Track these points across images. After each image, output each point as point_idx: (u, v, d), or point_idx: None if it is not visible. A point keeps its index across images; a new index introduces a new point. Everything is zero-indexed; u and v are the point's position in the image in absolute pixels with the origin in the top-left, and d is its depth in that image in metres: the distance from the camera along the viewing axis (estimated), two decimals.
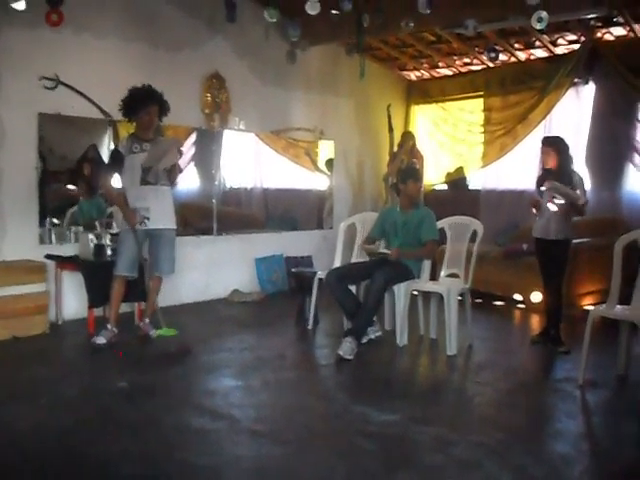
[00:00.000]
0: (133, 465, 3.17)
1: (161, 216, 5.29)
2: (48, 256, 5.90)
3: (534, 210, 5.46)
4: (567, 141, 5.41)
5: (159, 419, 3.79)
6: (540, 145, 5.51)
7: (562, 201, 5.20)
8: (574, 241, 5.46)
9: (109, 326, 5.29)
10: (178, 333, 5.40)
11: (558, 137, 5.52)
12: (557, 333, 5.42)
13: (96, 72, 6.21)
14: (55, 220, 6.18)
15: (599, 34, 7.32)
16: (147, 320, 5.51)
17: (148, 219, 5.21)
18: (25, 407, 3.93)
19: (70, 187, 6.37)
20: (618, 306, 4.41)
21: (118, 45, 6.38)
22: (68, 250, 6.04)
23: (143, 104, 5.17)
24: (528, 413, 4.10)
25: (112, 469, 3.14)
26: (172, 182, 5.38)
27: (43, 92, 5.89)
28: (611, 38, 7.36)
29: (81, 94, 6.12)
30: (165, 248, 5.38)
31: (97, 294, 5.64)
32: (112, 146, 6.27)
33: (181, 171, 5.60)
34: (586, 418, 4.14)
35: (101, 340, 5.18)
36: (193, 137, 7.21)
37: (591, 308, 4.66)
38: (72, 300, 6.07)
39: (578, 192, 5.20)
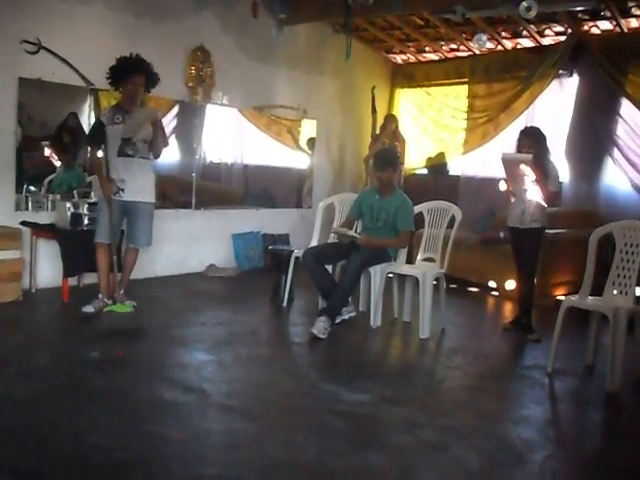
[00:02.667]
0: (102, 436, 3.16)
1: (136, 189, 5.25)
2: (24, 223, 5.84)
3: (512, 199, 5.48)
4: (545, 132, 5.43)
5: (130, 391, 3.79)
6: (518, 135, 5.52)
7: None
8: (550, 231, 5.50)
9: (100, 296, 5.28)
10: (133, 311, 5.13)
11: (536, 128, 5.54)
12: (528, 321, 5.49)
13: (79, 39, 6.12)
14: (32, 187, 6.10)
15: (586, 27, 7.35)
16: (122, 292, 5.47)
17: (122, 190, 5.18)
18: None
19: (49, 154, 6.29)
20: (590, 297, 4.47)
21: (103, 13, 6.29)
22: (44, 218, 5.99)
23: (130, 74, 5.12)
24: (496, 398, 4.16)
25: (81, 439, 3.12)
26: (155, 155, 5.32)
27: (24, 56, 5.79)
28: (597, 32, 7.38)
29: (63, 60, 6.02)
30: (141, 221, 5.35)
31: (72, 263, 5.62)
32: (92, 115, 6.21)
33: (166, 144, 5.50)
34: (553, 405, 4.20)
35: (89, 309, 5.17)
36: (175, 110, 7.15)
37: (563, 298, 4.71)
38: (46, 268, 6.02)
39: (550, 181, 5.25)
